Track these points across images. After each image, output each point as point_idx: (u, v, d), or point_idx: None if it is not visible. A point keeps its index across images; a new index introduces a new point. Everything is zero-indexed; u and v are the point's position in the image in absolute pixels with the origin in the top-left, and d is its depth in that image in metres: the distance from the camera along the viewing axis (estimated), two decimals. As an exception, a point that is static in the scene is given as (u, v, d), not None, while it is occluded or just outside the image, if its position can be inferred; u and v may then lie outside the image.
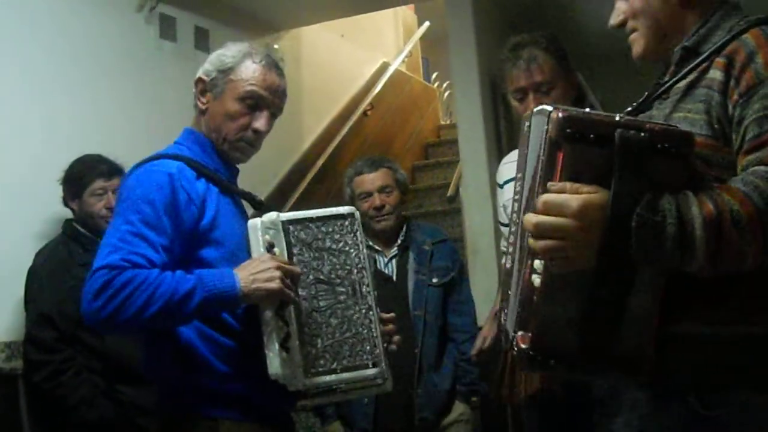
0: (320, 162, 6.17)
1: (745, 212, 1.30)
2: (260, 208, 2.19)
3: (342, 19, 6.32)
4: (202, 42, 4.83)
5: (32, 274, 3.27)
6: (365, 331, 2.07)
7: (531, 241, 1.33)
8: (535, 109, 1.50)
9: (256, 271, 1.92)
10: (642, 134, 1.30)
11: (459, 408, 3.29)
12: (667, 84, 1.55)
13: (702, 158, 1.43)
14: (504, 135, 4.85)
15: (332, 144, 6.41)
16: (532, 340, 1.36)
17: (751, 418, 1.43)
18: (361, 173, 3.34)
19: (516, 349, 1.40)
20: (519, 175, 1.58)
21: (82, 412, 3.07)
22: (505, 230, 2.89)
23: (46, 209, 3.56)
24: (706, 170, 1.45)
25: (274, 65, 2.17)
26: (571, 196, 1.30)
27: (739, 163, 1.41)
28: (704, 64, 1.49)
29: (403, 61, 8.14)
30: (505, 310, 1.61)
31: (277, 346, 1.91)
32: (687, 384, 1.46)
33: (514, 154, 2.82)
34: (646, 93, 1.60)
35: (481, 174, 4.54)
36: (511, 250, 1.61)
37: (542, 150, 1.37)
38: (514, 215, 1.60)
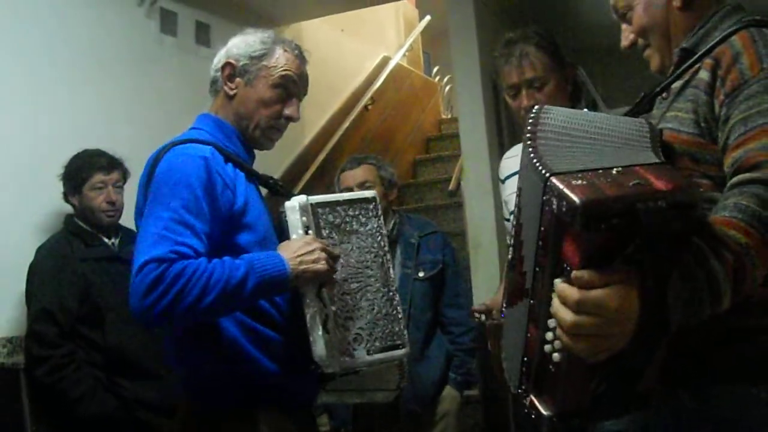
0: (321, 156, 6.17)
1: (753, 245, 1.29)
2: (285, 195, 2.18)
3: (343, 13, 6.32)
4: (203, 36, 4.82)
5: (33, 270, 3.27)
6: (393, 312, 2.12)
7: (565, 339, 1.24)
8: (527, 142, 1.42)
9: (302, 253, 1.92)
10: (659, 203, 1.18)
11: (451, 394, 3.27)
12: (663, 85, 1.58)
13: (689, 155, 1.47)
14: (505, 129, 4.84)
15: (333, 138, 6.42)
16: (554, 408, 1.34)
17: (742, 411, 1.43)
18: (344, 170, 3.39)
19: (532, 409, 1.38)
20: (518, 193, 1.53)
21: (83, 406, 3.08)
22: (508, 225, 2.88)
23: (47, 205, 3.56)
24: (694, 167, 1.47)
25: (301, 53, 2.19)
26: (606, 295, 1.20)
27: (725, 161, 1.42)
28: (696, 65, 1.51)
29: (404, 56, 8.14)
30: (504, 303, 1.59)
31: (320, 328, 1.93)
32: (677, 377, 1.46)
33: (515, 149, 2.82)
34: (643, 94, 1.63)
35: (483, 168, 4.54)
36: (512, 241, 1.58)
37: (551, 217, 1.27)
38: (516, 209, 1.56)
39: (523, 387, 1.41)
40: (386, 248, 2.16)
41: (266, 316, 1.98)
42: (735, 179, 1.37)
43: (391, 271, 2.16)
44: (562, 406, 1.33)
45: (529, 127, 1.44)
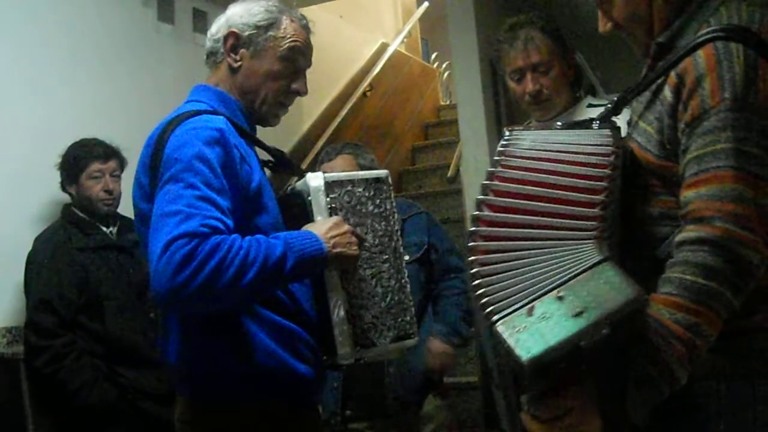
0: (320, 143, 6.15)
1: (704, 321, 1.33)
2: (287, 172, 2.10)
3: (341, 0, 6.30)
4: (200, 24, 4.80)
5: (31, 259, 3.27)
6: (406, 299, 2.01)
7: None
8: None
9: (336, 234, 1.82)
10: (603, 331, 1.21)
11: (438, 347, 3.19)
12: (634, 91, 1.58)
13: (656, 175, 1.49)
14: (504, 115, 4.83)
15: (332, 125, 6.39)
16: None
17: (724, 408, 1.43)
18: (322, 162, 3.28)
19: None
20: None
21: (83, 395, 3.08)
22: None
23: (45, 195, 3.55)
24: (660, 185, 1.50)
25: (307, 23, 2.08)
26: (566, 405, 1.31)
27: (681, 195, 1.42)
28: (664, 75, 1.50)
29: (403, 42, 8.10)
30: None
31: (345, 320, 1.86)
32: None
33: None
34: (618, 96, 1.63)
35: (482, 154, 4.53)
36: None
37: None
38: None
39: None
40: (399, 232, 2.04)
41: (282, 305, 1.86)
42: (682, 236, 1.38)
43: (404, 256, 2.05)
44: None
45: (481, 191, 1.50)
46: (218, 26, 2.03)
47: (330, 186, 1.93)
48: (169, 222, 1.63)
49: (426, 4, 8.52)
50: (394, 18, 8.64)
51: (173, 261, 1.57)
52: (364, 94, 6.99)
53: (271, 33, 1.99)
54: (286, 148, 5.87)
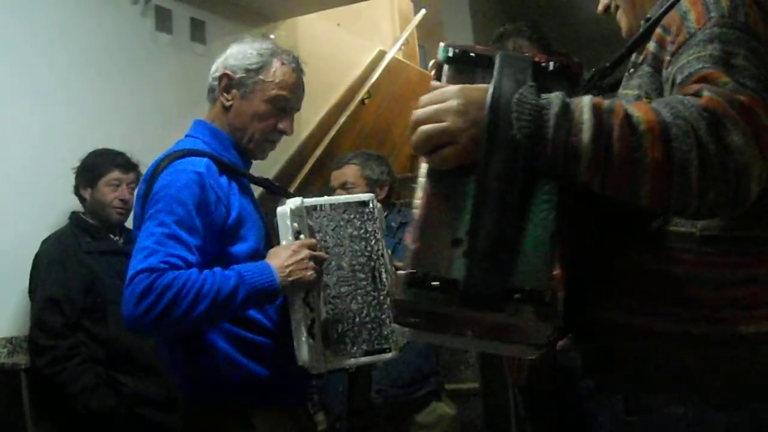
0: (318, 152, 6.16)
1: (645, 119, 1.12)
2: (283, 194, 2.20)
3: (338, 8, 6.31)
4: (198, 34, 4.81)
5: (39, 259, 3.30)
6: (383, 315, 2.11)
7: (413, 138, 1.20)
8: None
9: (291, 262, 1.93)
10: (526, 54, 1.27)
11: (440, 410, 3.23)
12: (613, 60, 1.51)
13: None
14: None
15: (330, 133, 6.40)
16: (412, 255, 1.16)
17: (668, 429, 1.28)
18: (335, 168, 3.43)
19: (392, 284, 1.24)
20: None
21: (82, 400, 3.09)
22: None
23: (45, 205, 3.57)
24: None
25: (299, 65, 2.19)
26: (449, 86, 1.22)
27: None
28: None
29: (400, 49, 8.12)
30: None
31: (305, 333, 1.95)
32: (616, 380, 1.34)
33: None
34: (598, 67, 1.56)
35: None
36: None
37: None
38: None
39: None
40: (381, 251, 2.16)
41: (252, 322, 2.00)
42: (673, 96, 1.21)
43: (384, 275, 2.15)
44: (418, 258, 1.16)
45: None
46: (217, 65, 2.18)
47: (308, 209, 2.07)
48: (138, 256, 1.84)
49: (423, 11, 8.54)
50: (392, 25, 8.66)
51: (134, 293, 1.78)
52: (362, 101, 7.00)
53: (260, 76, 2.12)
54: (286, 156, 5.89)
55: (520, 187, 1.15)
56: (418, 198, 1.21)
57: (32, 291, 3.28)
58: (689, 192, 1.12)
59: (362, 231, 2.14)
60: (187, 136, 2.16)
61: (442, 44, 1.32)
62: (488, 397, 4.20)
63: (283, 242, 2.01)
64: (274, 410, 2.02)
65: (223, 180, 2.02)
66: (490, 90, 1.17)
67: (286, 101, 2.14)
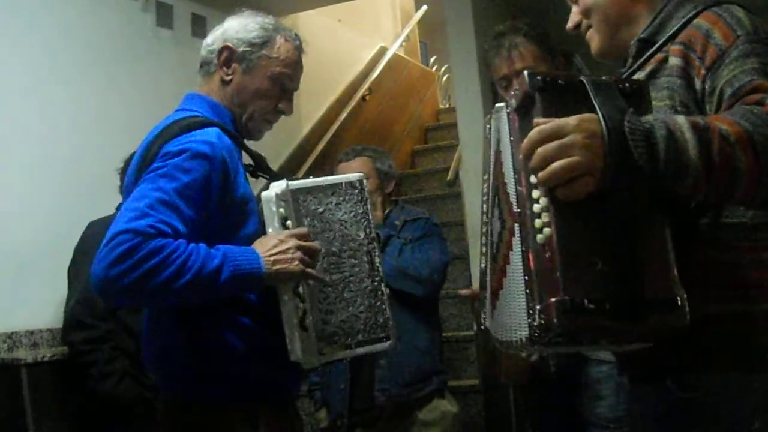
0: (319, 147, 6.16)
1: (733, 131, 1.29)
2: (264, 177, 2.10)
3: (339, 4, 6.30)
4: (199, 29, 4.80)
5: (85, 241, 3.29)
6: (378, 302, 2.02)
7: (541, 174, 1.29)
8: (493, 111, 1.54)
9: (277, 252, 1.83)
10: (604, 78, 1.35)
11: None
12: (623, 75, 1.56)
13: None
14: (503, 118, 4.83)
15: (331, 130, 6.40)
16: (563, 286, 1.25)
17: (730, 400, 1.41)
18: (341, 161, 3.40)
19: (544, 314, 1.27)
20: (486, 177, 1.59)
21: (109, 384, 3.12)
22: None
23: (47, 203, 3.56)
24: None
25: (300, 43, 2.13)
26: (564, 119, 1.29)
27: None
28: (661, 55, 1.51)
29: (401, 46, 8.11)
30: (485, 311, 1.59)
31: (297, 327, 1.86)
32: (665, 366, 1.45)
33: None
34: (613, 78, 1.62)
35: (481, 157, 4.53)
36: (484, 250, 1.61)
37: (510, 123, 1.41)
38: (484, 216, 1.60)
39: (532, 311, 1.31)
40: (373, 235, 2.05)
41: (245, 305, 1.91)
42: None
43: (378, 260, 2.05)
44: (568, 287, 1.25)
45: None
46: (214, 37, 2.09)
47: (294, 193, 1.95)
48: (124, 216, 1.71)
49: (425, 7, 8.53)
50: (393, 22, 8.65)
51: (113, 253, 1.65)
52: (363, 98, 7.00)
53: (264, 52, 2.04)
54: (286, 151, 5.89)
55: (642, 208, 1.30)
56: (543, 224, 1.30)
57: (76, 271, 3.27)
58: None
59: (352, 214, 2.02)
60: (180, 109, 2.04)
61: (526, 73, 1.34)
62: (489, 393, 4.20)
63: (270, 230, 1.90)
64: (270, 409, 1.95)
65: (234, 151, 1.93)
66: (602, 121, 1.28)
67: (290, 80, 2.07)
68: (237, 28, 2.08)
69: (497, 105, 1.49)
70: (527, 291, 1.34)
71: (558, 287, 1.26)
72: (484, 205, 1.61)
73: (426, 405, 3.22)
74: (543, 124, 1.30)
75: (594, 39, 1.69)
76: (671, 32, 1.50)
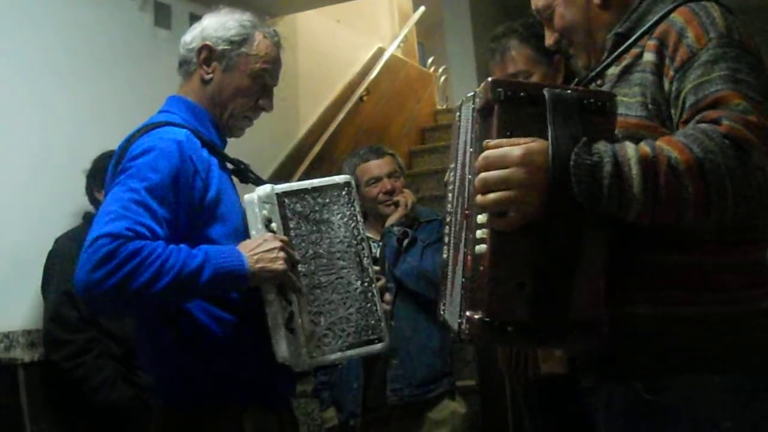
0: (317, 148, 6.15)
1: (683, 159, 1.30)
2: (249, 182, 2.09)
3: (337, 4, 6.30)
4: (197, 29, 4.81)
5: (54, 255, 3.29)
6: (368, 304, 2.00)
7: (479, 197, 1.33)
8: (464, 98, 1.53)
9: (260, 251, 1.82)
10: (569, 92, 1.36)
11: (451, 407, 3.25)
12: (597, 69, 1.58)
13: (635, 139, 1.42)
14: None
15: (328, 130, 6.40)
16: (487, 306, 1.33)
17: (695, 401, 1.41)
18: (367, 160, 3.35)
19: (468, 327, 1.36)
20: (452, 165, 1.59)
21: (103, 393, 3.10)
22: None
23: (45, 203, 3.56)
24: None
25: (279, 40, 2.12)
26: (511, 147, 1.31)
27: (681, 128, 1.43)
28: (636, 49, 1.52)
29: (399, 46, 8.11)
30: (444, 302, 1.59)
31: (282, 328, 1.84)
32: (632, 367, 1.45)
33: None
34: (576, 79, 1.65)
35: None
36: (447, 240, 1.62)
37: (472, 121, 1.42)
38: (449, 206, 1.61)
39: (460, 316, 1.40)
40: (361, 237, 2.04)
41: (234, 307, 1.89)
42: (692, 124, 1.38)
43: (367, 261, 2.03)
44: (494, 307, 1.33)
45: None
46: (192, 36, 2.10)
47: (279, 196, 1.94)
48: (101, 220, 1.72)
49: (422, 8, 8.53)
50: (391, 22, 8.65)
51: (94, 257, 1.67)
52: (360, 98, 7.00)
53: (243, 49, 2.04)
54: (283, 152, 5.88)
55: (577, 235, 1.34)
56: (481, 238, 1.35)
57: (45, 286, 3.28)
58: (725, 212, 1.32)
59: (339, 216, 2.01)
60: (160, 111, 2.04)
61: (490, 80, 1.36)
62: (486, 393, 4.20)
63: (253, 232, 1.89)
64: (260, 410, 1.93)
65: (204, 153, 1.92)
66: (550, 152, 1.30)
67: (270, 76, 2.06)
68: (215, 26, 2.08)
69: (468, 94, 1.50)
70: (462, 292, 1.41)
71: (483, 305, 1.33)
72: (450, 194, 1.61)
73: (436, 405, 3.22)
74: (492, 148, 1.33)
75: (580, 56, 1.71)
76: (647, 26, 1.50)
